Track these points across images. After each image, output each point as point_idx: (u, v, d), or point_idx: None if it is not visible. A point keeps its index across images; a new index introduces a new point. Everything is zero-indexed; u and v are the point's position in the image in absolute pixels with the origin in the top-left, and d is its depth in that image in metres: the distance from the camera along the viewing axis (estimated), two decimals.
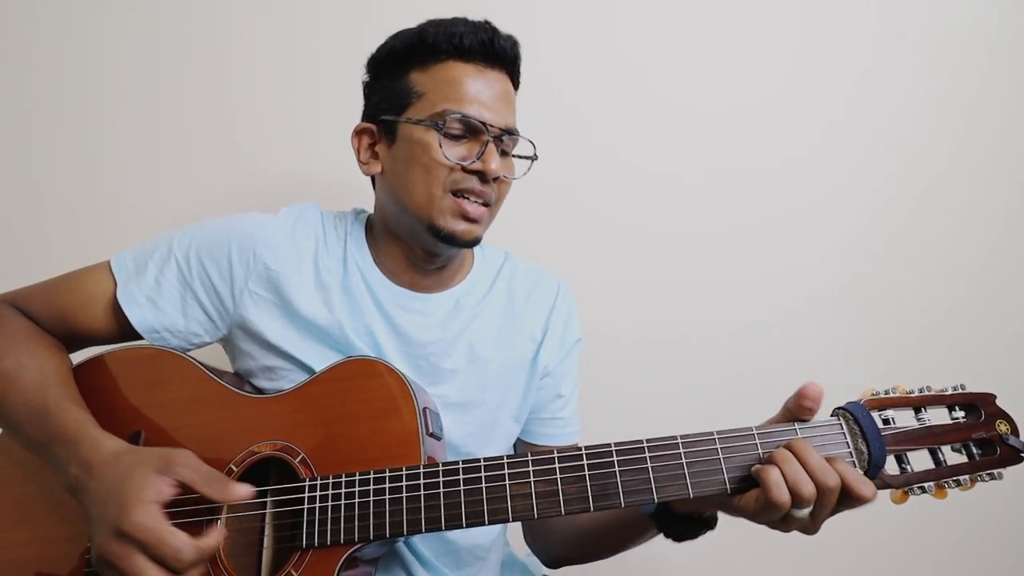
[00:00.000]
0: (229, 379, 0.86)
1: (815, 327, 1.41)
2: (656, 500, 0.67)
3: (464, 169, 0.84)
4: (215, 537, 0.68)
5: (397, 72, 0.88)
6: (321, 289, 0.88)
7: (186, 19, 1.35)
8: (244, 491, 0.70)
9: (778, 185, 1.42)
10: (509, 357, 0.95)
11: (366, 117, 0.93)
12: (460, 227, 0.85)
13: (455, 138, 0.85)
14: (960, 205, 1.44)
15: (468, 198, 0.85)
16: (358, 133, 0.92)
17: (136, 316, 0.85)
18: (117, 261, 0.88)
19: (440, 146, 0.83)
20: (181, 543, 0.65)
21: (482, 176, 0.85)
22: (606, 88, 1.40)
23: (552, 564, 1.02)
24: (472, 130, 0.85)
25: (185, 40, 1.35)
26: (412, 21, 0.89)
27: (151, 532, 0.64)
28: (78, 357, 0.87)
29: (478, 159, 0.84)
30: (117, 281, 0.86)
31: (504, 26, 0.89)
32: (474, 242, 0.88)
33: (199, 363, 0.85)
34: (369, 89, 0.94)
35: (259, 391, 0.86)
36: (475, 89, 0.85)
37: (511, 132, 0.88)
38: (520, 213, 1.33)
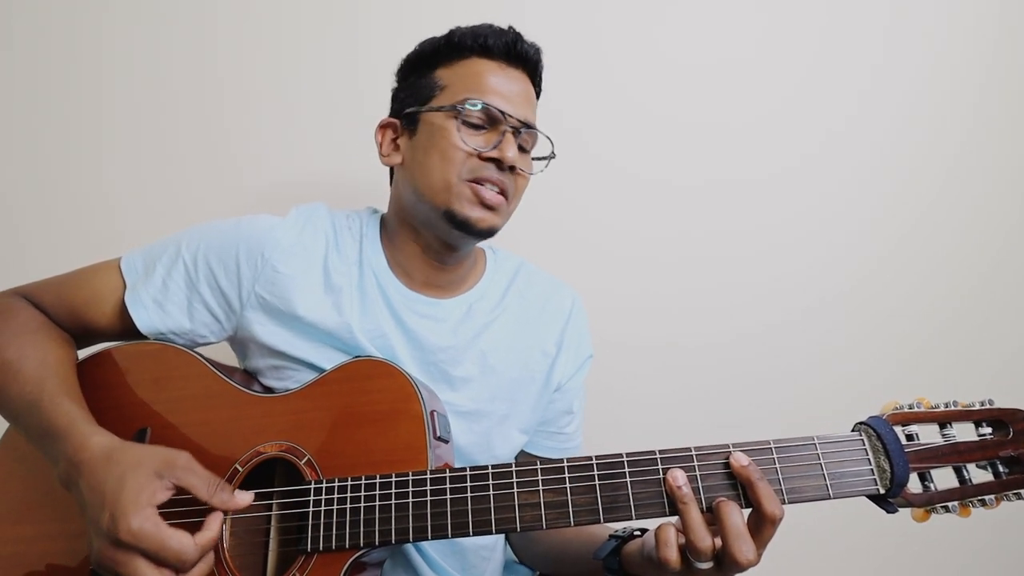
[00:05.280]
0: (238, 377, 0.85)
1: (824, 332, 1.39)
2: (668, 513, 0.66)
3: (480, 157, 0.84)
4: (214, 528, 0.68)
5: (424, 70, 0.90)
6: (331, 292, 0.86)
7: (190, 20, 1.34)
8: (245, 499, 0.70)
9: (785, 191, 1.41)
10: (521, 369, 0.94)
11: (391, 115, 0.94)
12: (476, 213, 0.85)
13: (474, 127, 0.86)
14: (968, 209, 1.43)
15: (485, 185, 0.85)
16: (382, 127, 0.93)
17: (142, 319, 0.84)
18: (127, 261, 0.87)
19: (458, 131, 0.84)
20: (182, 544, 0.64)
21: (499, 164, 0.85)
22: (608, 96, 1.39)
23: (527, 565, 1.02)
24: (491, 120, 0.86)
25: (188, 41, 1.34)
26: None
27: (151, 539, 0.63)
28: (86, 352, 0.86)
29: (495, 148, 0.84)
30: (126, 283, 0.86)
31: None
32: (489, 231, 0.87)
33: (206, 360, 0.84)
34: (396, 92, 0.95)
35: (268, 389, 0.85)
36: (496, 82, 0.87)
37: (529, 126, 0.89)
38: (524, 223, 1.31)
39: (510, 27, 0.90)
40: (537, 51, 0.91)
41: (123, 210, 1.32)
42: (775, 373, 1.37)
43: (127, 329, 0.85)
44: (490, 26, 0.89)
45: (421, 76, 0.90)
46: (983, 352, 1.41)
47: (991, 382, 1.37)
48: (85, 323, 0.86)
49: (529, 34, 0.91)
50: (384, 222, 0.96)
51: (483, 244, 1.01)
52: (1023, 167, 1.43)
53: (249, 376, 0.89)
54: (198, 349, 0.86)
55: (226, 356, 0.92)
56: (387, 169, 0.97)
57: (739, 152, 1.40)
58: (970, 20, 1.43)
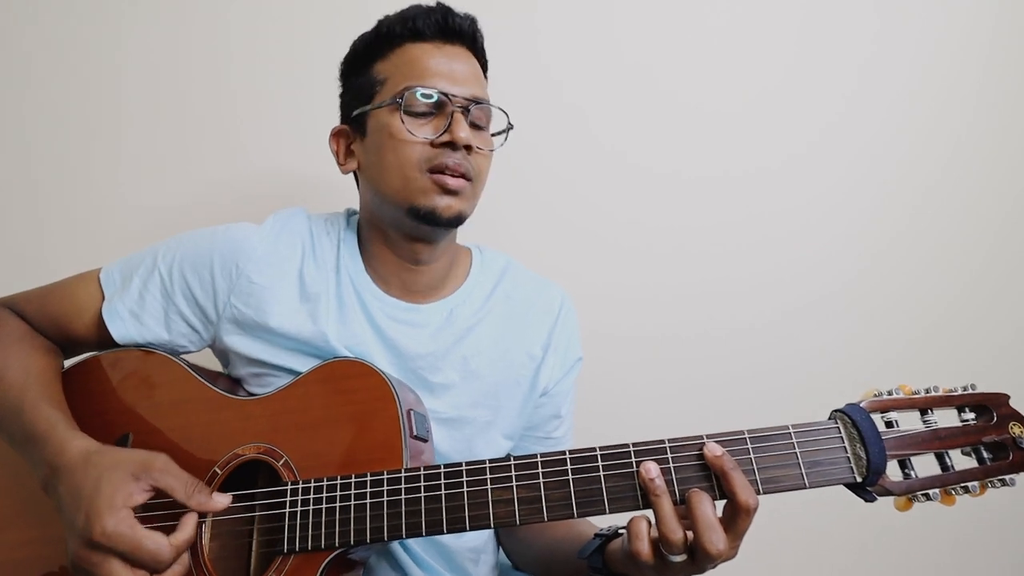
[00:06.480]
0: (222, 383, 0.85)
1: (817, 325, 1.37)
2: (641, 506, 0.65)
3: (433, 144, 0.82)
4: (189, 528, 0.68)
5: (361, 69, 0.88)
6: (306, 300, 0.86)
7: (181, 23, 1.35)
8: (222, 501, 0.70)
9: (779, 183, 1.39)
10: (505, 373, 0.92)
11: (341, 120, 0.93)
12: (441, 202, 0.82)
13: (421, 115, 0.82)
14: (961, 202, 1.41)
15: (445, 173, 0.82)
16: (335, 136, 0.91)
17: (119, 331, 0.84)
18: (106, 274, 0.88)
19: (403, 123, 0.81)
20: (158, 545, 0.65)
21: (452, 147, 0.82)
22: (606, 87, 1.38)
23: (518, 568, 1.00)
24: (437, 105, 0.83)
25: (180, 44, 1.35)
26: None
27: (125, 539, 0.64)
28: (72, 361, 0.87)
29: (445, 132, 0.82)
30: (104, 294, 0.86)
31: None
32: (458, 219, 0.84)
33: (188, 365, 0.84)
34: (341, 95, 0.94)
35: (252, 395, 0.85)
36: (434, 64, 0.83)
37: (477, 101, 0.85)
38: (520, 212, 1.32)
39: (438, 3, 0.86)
40: (472, 22, 0.87)
41: (129, 214, 1.33)
42: (773, 366, 1.36)
43: (106, 340, 0.86)
44: (417, 6, 0.86)
45: (360, 75, 0.88)
46: (988, 347, 1.38)
47: (984, 375, 1.35)
48: (67, 334, 0.87)
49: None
50: (359, 224, 0.94)
51: (469, 243, 0.99)
52: (1015, 166, 1.41)
53: (234, 382, 0.89)
54: (182, 356, 0.87)
55: (213, 363, 0.93)
56: None
57: (734, 143, 1.39)
58: (965, 16, 1.41)
